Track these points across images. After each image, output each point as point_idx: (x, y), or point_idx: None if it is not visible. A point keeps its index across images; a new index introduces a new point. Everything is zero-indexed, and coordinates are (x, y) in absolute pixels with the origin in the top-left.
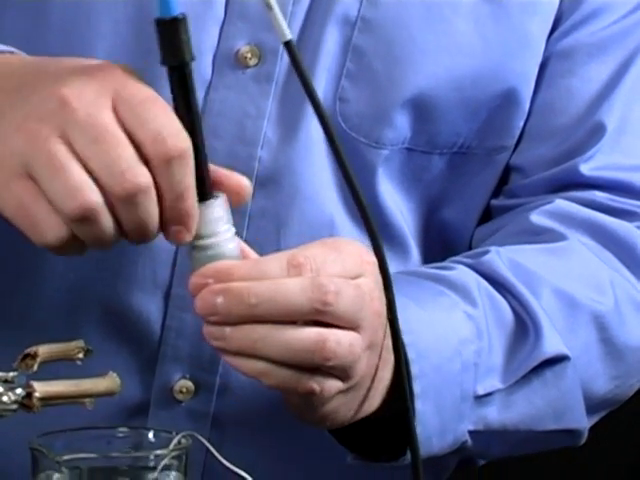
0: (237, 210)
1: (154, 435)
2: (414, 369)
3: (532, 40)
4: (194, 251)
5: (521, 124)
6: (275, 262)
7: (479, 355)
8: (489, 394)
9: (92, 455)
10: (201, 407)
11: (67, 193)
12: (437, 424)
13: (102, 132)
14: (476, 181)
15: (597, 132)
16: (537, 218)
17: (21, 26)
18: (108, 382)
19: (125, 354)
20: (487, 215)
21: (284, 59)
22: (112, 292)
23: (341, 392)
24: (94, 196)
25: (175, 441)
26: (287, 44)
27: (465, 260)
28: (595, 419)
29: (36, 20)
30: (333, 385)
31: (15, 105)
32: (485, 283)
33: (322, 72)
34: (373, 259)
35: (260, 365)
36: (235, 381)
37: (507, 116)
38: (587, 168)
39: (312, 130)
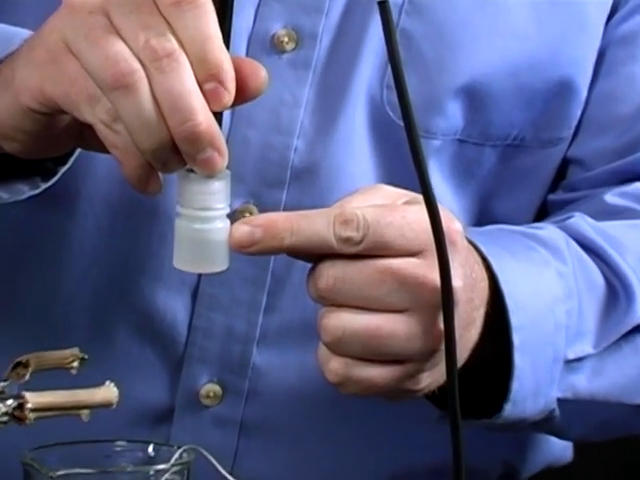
0: (270, 203)
1: (154, 449)
2: (513, 320)
3: (589, 25)
4: (180, 219)
5: (578, 114)
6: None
7: (570, 316)
8: (579, 359)
9: (88, 470)
10: (229, 413)
11: (105, 62)
12: (532, 383)
13: (138, 4)
14: (530, 176)
15: None
16: (612, 198)
17: (39, 10)
18: (105, 393)
19: (149, 355)
20: (542, 213)
21: (323, 44)
22: (136, 290)
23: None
24: (133, 63)
25: (176, 455)
26: (382, 4)
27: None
28: None
29: (52, 5)
30: None
31: None
32: (574, 244)
33: (368, 58)
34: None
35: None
36: (265, 385)
37: (563, 105)
38: None
39: (355, 118)
